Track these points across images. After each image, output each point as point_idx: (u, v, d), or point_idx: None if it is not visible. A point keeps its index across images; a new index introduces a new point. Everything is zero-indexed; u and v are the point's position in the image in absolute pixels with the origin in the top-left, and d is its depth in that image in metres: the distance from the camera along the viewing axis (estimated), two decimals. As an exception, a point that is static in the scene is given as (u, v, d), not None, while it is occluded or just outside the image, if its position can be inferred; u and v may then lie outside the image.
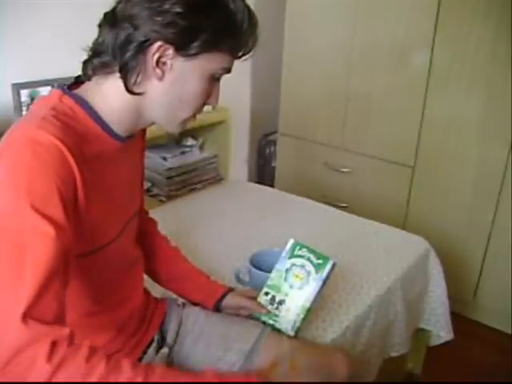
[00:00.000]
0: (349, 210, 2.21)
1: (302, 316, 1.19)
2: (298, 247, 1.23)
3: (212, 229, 1.93)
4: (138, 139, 1.04)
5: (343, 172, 2.65)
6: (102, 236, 0.94)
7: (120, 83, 0.87)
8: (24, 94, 1.68)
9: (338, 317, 1.45)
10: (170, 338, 1.19)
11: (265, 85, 2.98)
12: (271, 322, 1.21)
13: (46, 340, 0.69)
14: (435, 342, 1.96)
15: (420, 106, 2.33)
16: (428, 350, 2.03)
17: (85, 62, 0.91)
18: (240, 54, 0.92)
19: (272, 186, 2.85)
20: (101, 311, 1.02)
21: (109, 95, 0.89)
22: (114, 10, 0.87)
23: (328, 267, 1.20)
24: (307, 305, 1.19)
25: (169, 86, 0.88)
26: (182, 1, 0.82)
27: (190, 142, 2.41)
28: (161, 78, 0.87)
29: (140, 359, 1.10)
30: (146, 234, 1.23)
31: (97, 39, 0.89)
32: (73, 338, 0.73)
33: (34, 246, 0.73)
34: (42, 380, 0.68)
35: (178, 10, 0.81)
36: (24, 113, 1.69)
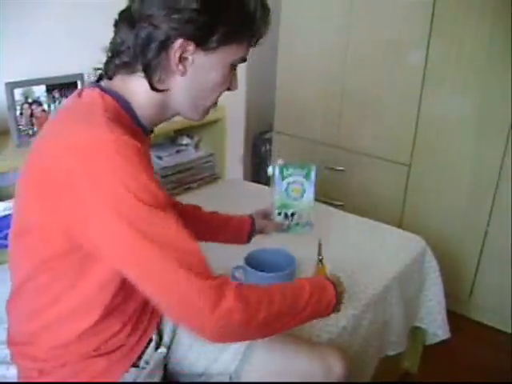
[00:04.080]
0: (344, 209, 2.21)
1: (310, 213, 1.49)
2: (284, 169, 1.44)
3: (208, 228, 1.92)
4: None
5: (338, 170, 2.65)
6: None
7: (144, 81, 0.90)
8: (17, 93, 1.66)
9: (334, 316, 1.43)
10: (167, 337, 1.18)
11: (260, 83, 2.97)
12: (292, 232, 1.49)
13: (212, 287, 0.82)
14: (432, 340, 1.96)
15: (416, 103, 2.32)
16: (424, 348, 2.03)
17: (106, 63, 0.94)
18: (255, 41, 0.96)
19: (267, 184, 2.84)
20: (122, 298, 0.99)
21: (136, 92, 0.92)
22: (129, 9, 0.89)
23: (313, 172, 1.46)
24: (312, 204, 1.49)
25: (191, 80, 0.92)
26: None
27: (185, 140, 2.39)
28: (184, 74, 0.91)
29: (139, 358, 1.08)
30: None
31: (114, 38, 0.92)
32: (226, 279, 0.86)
33: (166, 225, 0.82)
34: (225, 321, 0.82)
35: (195, 6, 0.84)
36: (18, 112, 1.67)
